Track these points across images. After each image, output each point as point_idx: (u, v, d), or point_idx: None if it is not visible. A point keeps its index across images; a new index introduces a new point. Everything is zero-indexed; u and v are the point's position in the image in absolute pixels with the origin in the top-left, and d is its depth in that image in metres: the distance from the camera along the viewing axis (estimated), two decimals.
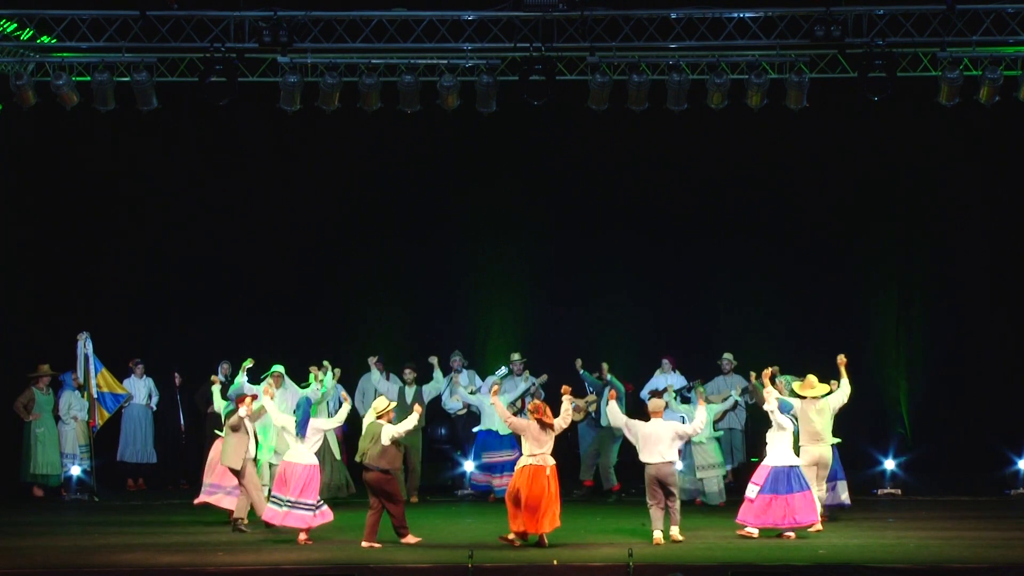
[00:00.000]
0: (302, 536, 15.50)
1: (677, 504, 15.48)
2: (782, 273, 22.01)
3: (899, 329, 22.26)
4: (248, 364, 18.31)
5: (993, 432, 20.40)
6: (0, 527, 16.88)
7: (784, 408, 16.13)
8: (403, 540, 15.28)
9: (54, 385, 20.36)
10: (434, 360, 19.86)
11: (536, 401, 16.39)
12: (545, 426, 15.21)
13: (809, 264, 22.01)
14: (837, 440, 16.86)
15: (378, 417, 15.36)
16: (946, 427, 21.65)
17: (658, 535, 15.34)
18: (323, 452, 17.58)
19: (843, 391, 16.64)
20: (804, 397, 16.57)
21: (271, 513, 15.61)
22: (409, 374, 19.90)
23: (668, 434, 15.44)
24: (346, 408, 16.18)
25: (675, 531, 15.39)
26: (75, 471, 19.93)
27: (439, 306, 22.36)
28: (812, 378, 16.85)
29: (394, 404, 15.79)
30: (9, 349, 20.76)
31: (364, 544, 15.16)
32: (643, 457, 15.49)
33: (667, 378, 20.63)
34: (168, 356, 21.79)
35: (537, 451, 15.17)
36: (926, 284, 22.17)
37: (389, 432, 15.21)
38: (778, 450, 15.84)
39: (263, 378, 17.88)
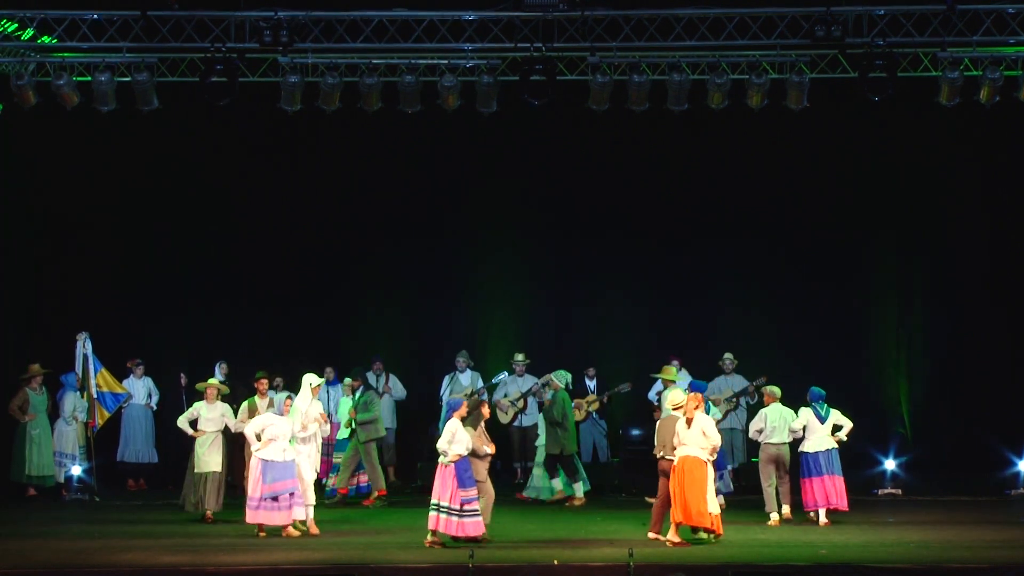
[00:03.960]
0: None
1: (787, 485, 16.80)
2: (782, 272, 22.01)
3: (899, 329, 22.28)
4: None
5: (993, 432, 20.39)
6: (0, 527, 16.87)
7: (815, 397, 16.82)
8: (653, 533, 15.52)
9: (47, 383, 20.28)
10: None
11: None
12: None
13: (809, 263, 22.01)
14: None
15: (674, 410, 15.44)
16: (946, 427, 21.67)
17: (775, 517, 16.48)
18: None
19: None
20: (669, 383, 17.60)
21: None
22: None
23: (789, 421, 16.85)
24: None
25: (786, 510, 16.79)
26: (76, 471, 19.89)
27: (439, 306, 22.35)
28: (670, 368, 18.05)
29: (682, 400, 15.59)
30: (5, 350, 20.74)
31: (650, 535, 15.47)
32: (765, 438, 16.88)
33: None
34: (170, 357, 21.79)
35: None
36: (926, 284, 22.17)
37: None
38: (810, 439, 16.77)
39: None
